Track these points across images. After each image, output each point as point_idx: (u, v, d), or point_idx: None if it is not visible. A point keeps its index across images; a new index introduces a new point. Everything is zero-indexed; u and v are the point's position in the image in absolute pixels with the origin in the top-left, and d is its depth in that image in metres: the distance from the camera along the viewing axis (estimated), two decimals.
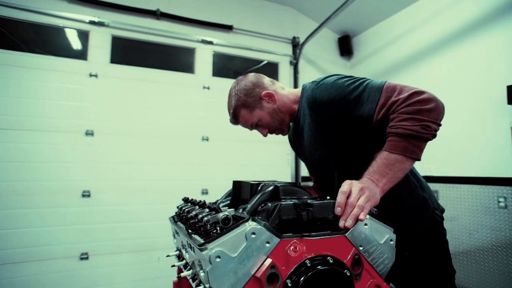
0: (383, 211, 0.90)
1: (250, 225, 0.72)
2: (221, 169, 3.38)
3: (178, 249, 1.09)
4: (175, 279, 1.09)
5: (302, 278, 0.72)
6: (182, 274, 0.87)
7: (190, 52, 3.48)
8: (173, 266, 0.99)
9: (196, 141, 3.35)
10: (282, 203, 0.79)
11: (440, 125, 0.98)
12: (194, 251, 0.79)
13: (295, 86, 3.85)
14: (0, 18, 2.74)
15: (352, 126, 1.10)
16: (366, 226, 0.83)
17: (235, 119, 1.30)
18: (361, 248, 0.82)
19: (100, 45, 3.06)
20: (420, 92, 0.97)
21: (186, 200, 1.12)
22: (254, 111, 1.25)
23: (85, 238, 2.85)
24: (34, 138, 2.75)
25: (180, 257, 1.05)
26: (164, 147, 3.21)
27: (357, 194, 0.84)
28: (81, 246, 2.84)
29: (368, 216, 0.84)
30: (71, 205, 2.83)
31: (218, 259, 0.68)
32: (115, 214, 2.97)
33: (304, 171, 3.82)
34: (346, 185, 0.87)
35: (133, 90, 3.15)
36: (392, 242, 0.87)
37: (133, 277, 2.98)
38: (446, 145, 2.87)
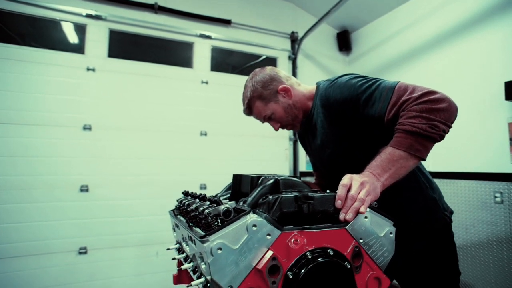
0: (392, 211, 0.90)
1: (251, 217, 0.72)
2: (219, 164, 3.38)
3: (178, 242, 1.10)
4: (175, 272, 1.10)
5: (303, 270, 0.73)
6: (182, 267, 0.87)
7: (188, 46, 3.46)
8: (173, 259, 1.00)
9: (195, 136, 3.34)
10: (283, 195, 0.79)
11: (450, 126, 0.97)
12: (195, 244, 0.79)
13: None
14: None
15: (363, 125, 1.10)
16: (366, 219, 0.84)
17: (249, 110, 1.30)
18: (361, 241, 0.82)
19: (97, 39, 3.04)
20: (433, 92, 0.97)
21: (186, 193, 1.12)
22: (269, 104, 1.25)
23: (83, 232, 2.85)
24: (31, 133, 2.73)
25: (180, 250, 1.05)
26: (162, 141, 3.20)
27: (358, 188, 0.85)
28: (79, 241, 2.84)
29: (368, 209, 0.84)
30: (69, 200, 2.82)
31: (219, 251, 0.68)
32: (114, 208, 2.97)
33: (303, 166, 3.83)
34: (346, 179, 0.87)
35: (130, 84, 3.13)
36: (391, 235, 0.87)
37: (132, 271, 2.99)
38: (444, 141, 2.87)
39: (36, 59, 2.79)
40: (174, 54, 3.50)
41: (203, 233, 0.74)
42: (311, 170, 1.54)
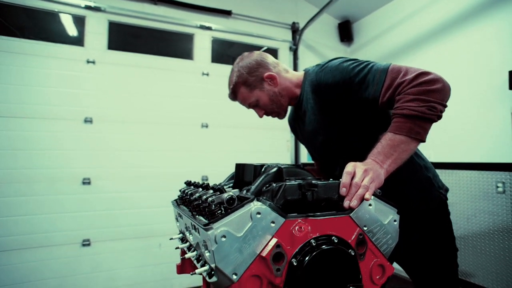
0: (388, 193, 0.91)
1: (255, 205, 0.72)
2: (221, 155, 3.38)
3: (181, 232, 1.10)
4: (178, 262, 1.10)
5: (307, 258, 0.73)
6: (186, 256, 0.87)
7: (188, 38, 3.43)
8: (177, 248, 1.00)
9: (196, 128, 3.34)
10: (287, 183, 0.79)
11: (446, 106, 0.97)
12: (198, 232, 0.79)
13: None
14: None
15: (356, 108, 1.09)
16: (370, 207, 0.84)
17: (234, 95, 1.29)
18: (365, 228, 0.82)
19: (97, 31, 3.01)
20: (427, 73, 0.97)
21: (188, 183, 1.12)
22: (254, 91, 1.23)
23: (86, 225, 2.86)
24: (32, 126, 2.72)
25: (183, 239, 1.06)
26: (164, 134, 3.20)
27: (362, 175, 0.84)
28: (83, 233, 2.85)
29: (372, 197, 0.84)
30: (71, 193, 2.83)
31: (223, 239, 0.68)
32: (116, 201, 2.97)
33: (304, 158, 3.82)
34: (350, 166, 0.87)
35: (131, 76, 3.11)
36: (395, 223, 0.87)
37: (135, 263, 3.01)
38: (447, 131, 2.87)
39: (35, 51, 2.77)
40: (174, 45, 3.47)
41: (206, 221, 0.74)
42: (312, 161, 1.53)
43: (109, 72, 3.03)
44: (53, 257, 2.74)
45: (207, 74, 3.42)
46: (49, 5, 2.84)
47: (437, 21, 3.07)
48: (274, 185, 0.80)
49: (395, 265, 1.06)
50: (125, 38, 3.28)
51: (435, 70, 1.00)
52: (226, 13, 3.54)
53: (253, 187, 0.84)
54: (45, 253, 2.71)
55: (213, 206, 0.75)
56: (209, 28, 3.44)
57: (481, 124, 2.67)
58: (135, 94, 3.12)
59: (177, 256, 1.11)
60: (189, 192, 0.98)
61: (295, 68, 3.86)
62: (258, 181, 0.85)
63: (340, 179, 0.84)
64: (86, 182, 2.88)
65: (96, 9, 2.97)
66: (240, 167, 1.08)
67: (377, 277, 0.83)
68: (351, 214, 0.80)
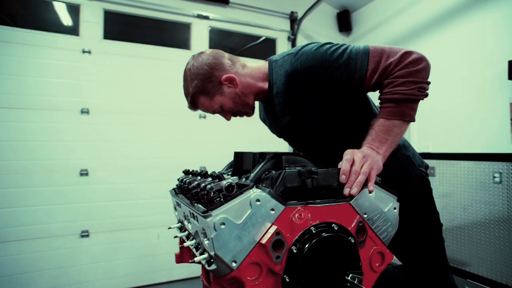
0: None
1: (255, 192, 0.71)
2: (219, 146, 3.37)
3: (179, 221, 1.09)
4: (177, 252, 1.10)
5: (307, 245, 0.72)
6: (185, 244, 0.87)
7: (185, 27, 3.38)
8: (175, 237, 0.99)
9: (194, 119, 3.31)
10: (287, 170, 0.78)
11: (429, 83, 0.97)
12: (197, 220, 0.78)
13: None
14: None
15: (337, 94, 1.05)
16: (370, 194, 0.83)
17: (194, 106, 1.19)
18: (365, 216, 0.82)
19: (92, 20, 2.95)
20: (410, 52, 0.96)
21: (187, 172, 1.11)
22: (214, 98, 1.13)
23: (85, 216, 2.85)
24: (29, 117, 2.69)
25: (182, 229, 1.05)
26: (161, 125, 3.17)
27: (360, 162, 0.84)
28: (81, 224, 2.85)
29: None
30: (69, 184, 2.81)
31: (222, 226, 0.67)
32: (114, 192, 2.96)
33: None
34: (348, 154, 0.87)
35: (127, 66, 3.07)
36: (395, 210, 0.87)
37: (134, 253, 3.02)
38: (445, 121, 2.87)
39: (29, 41, 2.71)
40: (171, 35, 3.42)
41: (205, 209, 0.73)
42: None
43: (105, 62, 2.98)
44: (52, 248, 2.74)
45: None
46: None
47: (436, 11, 3.04)
48: (274, 172, 0.79)
49: None
50: (121, 27, 3.23)
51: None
52: (224, 2, 3.48)
53: (252, 175, 0.83)
54: (44, 244, 2.71)
55: (212, 193, 0.74)
56: (206, 18, 3.39)
57: (479, 114, 2.67)
58: (131, 85, 3.08)
59: (176, 246, 1.10)
60: (188, 180, 0.97)
61: None
62: (257, 169, 0.84)
63: (340, 166, 0.84)
64: (84, 173, 2.87)
65: None
66: (238, 155, 1.07)
67: (377, 265, 0.83)
68: (351, 202, 0.80)
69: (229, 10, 3.53)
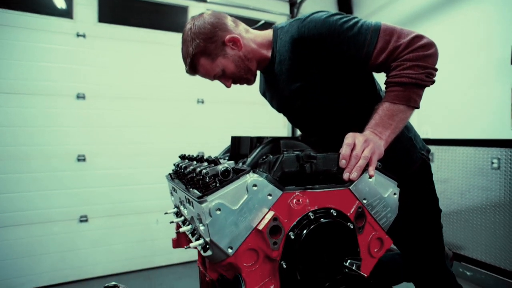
0: None
1: (252, 177, 0.69)
2: (217, 131, 3.34)
3: (176, 206, 1.08)
4: (174, 237, 1.09)
5: (305, 231, 0.71)
6: (181, 230, 0.85)
7: (182, 10, 3.29)
8: (171, 222, 0.98)
9: (191, 104, 3.27)
10: (285, 154, 0.76)
11: (437, 70, 0.95)
12: (193, 206, 0.77)
13: None
14: None
15: (341, 69, 1.01)
16: (370, 180, 0.81)
17: (193, 69, 1.11)
18: (364, 201, 0.80)
19: (86, 2, 2.86)
20: (421, 37, 0.93)
21: (183, 157, 1.09)
22: (217, 60, 1.05)
23: (83, 201, 2.85)
24: (24, 102, 2.65)
25: (178, 214, 1.04)
26: (159, 110, 3.13)
27: (362, 146, 0.82)
28: (79, 209, 2.85)
29: None
30: (67, 170, 2.80)
31: (218, 212, 0.66)
32: (112, 177, 2.95)
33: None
34: (350, 138, 0.84)
35: (123, 50, 3.00)
36: (395, 196, 0.85)
37: (133, 238, 3.04)
38: (445, 107, 2.84)
39: (21, 24, 2.63)
40: (167, 18, 3.33)
41: (200, 194, 0.71)
42: None
43: (100, 46, 2.91)
44: (52, 233, 2.75)
45: None
46: None
47: None
48: (271, 156, 0.77)
49: None
50: (116, 10, 3.14)
51: (437, 43, 0.95)
52: None
53: (249, 159, 0.81)
54: (44, 229, 2.72)
55: (207, 178, 0.72)
56: (203, 0, 3.30)
57: (480, 99, 2.64)
58: (128, 69, 3.02)
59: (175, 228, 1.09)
60: (183, 165, 0.95)
61: None
62: (255, 153, 0.82)
63: (340, 151, 0.81)
64: (81, 159, 2.85)
65: None
66: (236, 140, 1.04)
67: (375, 250, 0.82)
68: (350, 187, 0.78)
69: None
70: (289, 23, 1.06)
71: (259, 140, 0.90)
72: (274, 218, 0.69)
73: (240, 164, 0.83)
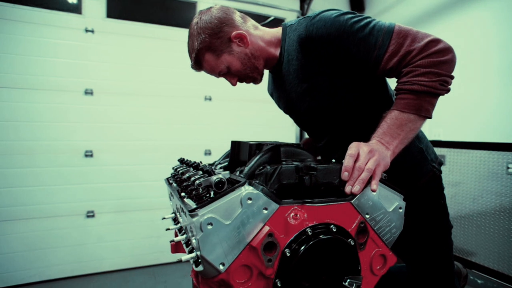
0: None
1: (246, 189, 0.65)
2: (224, 129, 3.31)
3: (174, 212, 1.05)
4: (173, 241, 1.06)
5: (302, 248, 0.67)
6: (176, 239, 0.83)
7: (191, 6, 3.26)
8: (167, 229, 0.95)
9: (199, 101, 3.25)
10: (283, 165, 0.72)
11: (453, 78, 0.87)
12: (186, 216, 0.74)
13: None
14: None
15: (350, 70, 0.96)
16: (374, 193, 0.76)
17: (198, 65, 1.08)
18: (367, 216, 0.75)
19: None
20: (437, 41, 0.86)
21: (181, 161, 1.06)
22: (222, 56, 1.03)
23: (90, 196, 2.87)
24: (33, 97, 2.66)
25: (175, 220, 1.01)
26: (166, 106, 3.12)
27: (366, 157, 0.76)
28: (86, 204, 2.87)
29: None
30: (74, 165, 2.81)
31: (209, 226, 0.62)
32: (119, 173, 2.96)
33: None
34: (353, 148, 0.78)
35: (131, 46, 2.99)
36: (401, 210, 0.80)
37: (139, 234, 3.05)
38: (458, 108, 2.74)
39: (30, 19, 2.64)
40: (176, 14, 3.30)
41: (194, 206, 0.68)
42: None
43: (108, 42, 2.91)
44: (60, 227, 2.78)
45: None
46: None
47: None
48: (269, 167, 0.73)
49: None
50: (124, 5, 3.13)
51: (454, 41, 0.88)
52: None
53: (246, 169, 0.77)
54: (51, 223, 2.75)
55: (201, 189, 0.69)
56: None
57: (495, 101, 2.53)
58: (136, 65, 3.01)
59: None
60: (181, 171, 0.92)
61: None
62: (252, 162, 0.78)
63: (343, 161, 0.77)
64: (89, 154, 2.86)
65: None
66: (235, 145, 1.01)
67: (378, 268, 0.77)
68: (352, 201, 0.73)
69: None
70: (298, 21, 1.01)
71: (258, 147, 0.86)
72: (269, 234, 0.65)
73: (237, 173, 0.79)
